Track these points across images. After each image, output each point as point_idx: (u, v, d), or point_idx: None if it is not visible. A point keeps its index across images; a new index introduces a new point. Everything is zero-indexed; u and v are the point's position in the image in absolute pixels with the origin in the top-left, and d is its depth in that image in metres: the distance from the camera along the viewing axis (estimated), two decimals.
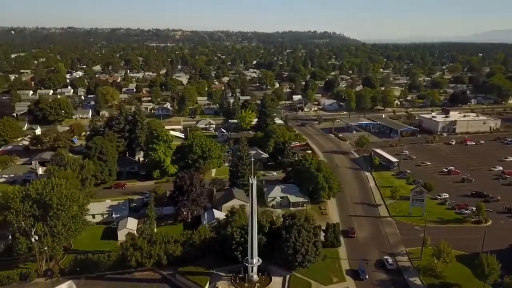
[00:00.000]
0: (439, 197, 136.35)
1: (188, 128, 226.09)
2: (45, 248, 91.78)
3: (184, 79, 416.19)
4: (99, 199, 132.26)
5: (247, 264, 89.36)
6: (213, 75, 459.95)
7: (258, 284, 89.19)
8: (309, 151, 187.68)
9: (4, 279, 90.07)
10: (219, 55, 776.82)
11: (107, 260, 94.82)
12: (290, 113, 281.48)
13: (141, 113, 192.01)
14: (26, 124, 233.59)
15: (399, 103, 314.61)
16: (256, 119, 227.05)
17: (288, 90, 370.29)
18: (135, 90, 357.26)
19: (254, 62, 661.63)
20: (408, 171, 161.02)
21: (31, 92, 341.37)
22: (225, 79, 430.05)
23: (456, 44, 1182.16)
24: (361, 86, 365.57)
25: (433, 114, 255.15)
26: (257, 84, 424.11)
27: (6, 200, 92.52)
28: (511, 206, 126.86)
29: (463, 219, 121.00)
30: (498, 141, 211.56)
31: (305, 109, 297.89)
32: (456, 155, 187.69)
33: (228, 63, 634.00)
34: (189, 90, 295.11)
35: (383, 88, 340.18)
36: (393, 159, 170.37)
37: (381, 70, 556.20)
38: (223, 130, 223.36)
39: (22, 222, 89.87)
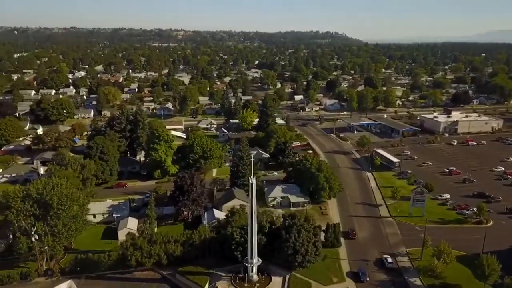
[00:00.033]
0: (440, 197, 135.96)
1: (189, 128, 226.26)
2: (46, 247, 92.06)
3: (186, 79, 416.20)
4: (99, 198, 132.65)
5: (247, 264, 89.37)
6: (215, 75, 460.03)
7: (258, 284, 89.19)
8: (310, 151, 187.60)
9: (4, 278, 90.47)
10: (221, 55, 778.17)
11: (107, 259, 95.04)
12: (292, 113, 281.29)
13: (143, 113, 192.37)
14: (28, 124, 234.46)
15: (401, 103, 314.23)
16: (257, 119, 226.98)
17: (289, 90, 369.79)
18: (137, 90, 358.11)
19: (256, 62, 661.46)
20: (409, 172, 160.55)
21: (33, 92, 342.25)
22: (227, 79, 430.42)
23: (459, 44, 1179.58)
24: (363, 86, 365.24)
25: (435, 114, 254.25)
26: (259, 84, 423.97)
27: (7, 200, 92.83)
28: None
29: (464, 220, 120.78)
30: (500, 142, 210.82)
31: (307, 109, 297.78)
32: (457, 156, 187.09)
33: (230, 63, 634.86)
34: (190, 90, 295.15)
35: (385, 88, 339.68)
36: (394, 159, 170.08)
37: (383, 70, 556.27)
38: (224, 130, 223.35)
39: (23, 222, 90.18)
